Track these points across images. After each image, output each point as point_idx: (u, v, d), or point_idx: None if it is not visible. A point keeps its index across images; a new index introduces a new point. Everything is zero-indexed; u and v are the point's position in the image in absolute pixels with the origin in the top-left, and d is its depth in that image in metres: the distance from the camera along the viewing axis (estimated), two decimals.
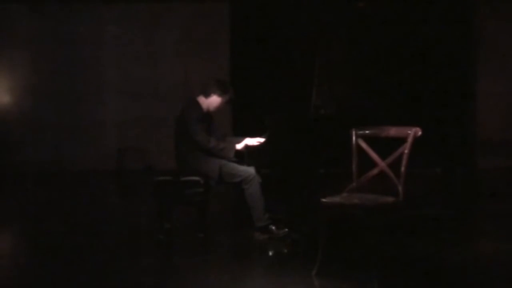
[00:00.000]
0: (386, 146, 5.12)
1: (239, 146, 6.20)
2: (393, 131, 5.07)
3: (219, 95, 6.29)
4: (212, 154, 6.19)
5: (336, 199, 4.95)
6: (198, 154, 6.19)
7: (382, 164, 5.03)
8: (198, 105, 6.29)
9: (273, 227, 6.17)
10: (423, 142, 5.21)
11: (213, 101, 6.31)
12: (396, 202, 4.87)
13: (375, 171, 5.09)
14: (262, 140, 6.23)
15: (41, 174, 10.84)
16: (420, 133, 4.95)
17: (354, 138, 5.13)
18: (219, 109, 6.39)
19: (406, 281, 4.91)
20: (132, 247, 6.12)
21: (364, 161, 5.14)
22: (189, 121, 6.17)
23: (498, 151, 10.73)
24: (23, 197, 9.34)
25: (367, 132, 5.14)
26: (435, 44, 10.75)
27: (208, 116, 6.36)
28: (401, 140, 4.96)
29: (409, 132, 4.95)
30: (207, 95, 6.32)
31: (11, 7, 11.15)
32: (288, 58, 10.68)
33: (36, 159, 11.14)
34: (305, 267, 5.10)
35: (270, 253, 5.92)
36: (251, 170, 6.17)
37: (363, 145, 5.11)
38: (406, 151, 4.92)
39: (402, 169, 4.91)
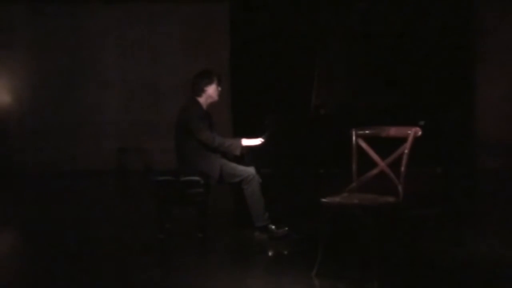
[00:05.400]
0: (386, 146, 5.12)
1: (245, 142, 6.18)
2: (393, 131, 5.07)
3: (210, 83, 6.31)
4: (215, 153, 6.19)
5: (336, 199, 4.95)
6: (198, 153, 6.19)
7: (382, 164, 5.03)
8: (199, 104, 6.30)
9: (273, 227, 6.17)
10: (423, 142, 5.21)
11: (211, 92, 6.32)
12: (396, 202, 4.87)
13: (375, 171, 5.09)
14: (258, 141, 6.21)
15: (41, 174, 10.84)
16: (420, 133, 4.94)
17: (354, 138, 5.13)
18: (219, 94, 6.39)
19: (406, 281, 4.91)
20: (132, 247, 6.12)
21: (364, 161, 5.14)
22: (192, 120, 6.17)
23: (498, 151, 10.73)
24: (23, 197, 9.34)
25: (367, 132, 5.14)
26: (435, 44, 10.75)
27: (208, 115, 6.37)
28: (401, 140, 4.96)
29: (409, 132, 4.95)
30: (200, 92, 6.31)
31: (12, 8, 11.15)
32: (288, 58, 10.68)
33: (36, 159, 11.15)
34: (305, 267, 5.10)
35: (270, 253, 5.92)
36: (251, 170, 6.17)
37: (363, 145, 5.11)
38: (406, 151, 4.92)
39: (402, 169, 4.90)
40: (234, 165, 6.24)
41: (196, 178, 6.12)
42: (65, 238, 6.52)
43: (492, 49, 10.88)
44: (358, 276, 4.92)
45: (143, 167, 11.04)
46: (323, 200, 4.91)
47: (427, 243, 5.97)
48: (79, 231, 6.84)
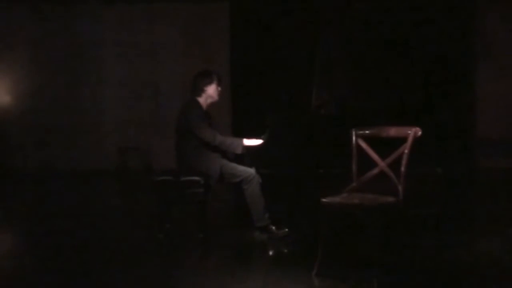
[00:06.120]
0: (386, 146, 5.12)
1: (247, 142, 6.18)
2: (393, 131, 5.07)
3: (210, 83, 6.31)
4: (215, 152, 6.18)
5: (336, 199, 4.95)
6: (198, 153, 6.19)
7: (382, 164, 5.03)
8: (198, 104, 6.30)
9: (273, 227, 6.18)
10: (423, 142, 5.21)
11: (211, 92, 6.31)
12: (396, 202, 4.87)
13: (375, 171, 5.09)
14: (259, 141, 6.21)
15: (41, 174, 10.84)
16: (420, 133, 4.94)
17: (354, 138, 5.13)
18: (219, 94, 6.39)
19: (406, 281, 4.91)
20: (132, 247, 6.12)
21: (364, 161, 5.14)
22: (192, 120, 6.17)
23: (498, 151, 10.74)
24: (23, 197, 9.34)
25: (367, 132, 5.14)
26: (435, 44, 10.75)
27: (208, 115, 6.37)
28: (401, 140, 4.96)
29: (409, 132, 4.95)
30: (200, 92, 6.31)
31: (12, 8, 11.16)
32: (288, 58, 10.68)
33: (36, 159, 11.15)
34: (305, 267, 5.10)
35: (270, 253, 5.92)
36: (251, 170, 6.17)
37: (363, 145, 5.11)
38: (406, 151, 4.92)
39: (402, 169, 4.90)
40: (234, 165, 6.24)
41: (196, 178, 6.12)
42: (65, 238, 6.52)
43: (492, 48, 10.88)
44: (358, 276, 4.92)
45: (143, 167, 11.04)
46: (323, 200, 4.91)
47: (427, 243, 5.97)
48: (79, 231, 6.83)
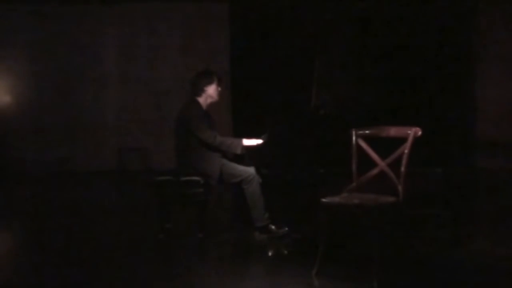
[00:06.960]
0: (386, 146, 5.12)
1: (247, 142, 6.18)
2: (393, 131, 5.07)
3: (210, 83, 6.31)
4: (215, 152, 6.18)
5: (336, 199, 4.95)
6: (198, 153, 6.19)
7: (382, 164, 5.03)
8: (198, 104, 6.30)
9: (273, 227, 6.18)
10: (423, 142, 5.21)
11: (211, 92, 6.31)
12: (396, 202, 4.87)
13: (375, 171, 5.09)
14: (259, 141, 6.21)
15: (41, 174, 10.84)
16: (420, 133, 4.95)
17: (354, 138, 5.13)
18: (219, 94, 6.38)
19: (406, 281, 4.91)
20: (132, 247, 6.12)
21: (364, 161, 5.14)
22: (192, 120, 6.17)
23: (498, 151, 10.73)
24: (23, 197, 9.34)
25: (367, 132, 5.14)
26: (435, 44, 10.75)
27: (208, 115, 6.37)
28: (401, 140, 4.96)
29: (409, 132, 4.95)
30: (200, 92, 6.30)
31: (12, 8, 11.15)
32: (288, 58, 10.68)
33: (36, 159, 11.15)
34: (305, 267, 5.10)
35: (270, 253, 5.92)
36: (251, 170, 6.17)
37: (363, 145, 5.11)
38: (406, 151, 4.92)
39: (402, 169, 4.91)
40: (234, 165, 6.24)
41: (196, 178, 6.12)
42: (65, 238, 6.52)
43: (492, 48, 10.88)
44: (358, 276, 4.92)
45: (143, 167, 11.04)
46: (323, 200, 4.91)
47: (427, 243, 5.97)
48: (79, 231, 6.84)
